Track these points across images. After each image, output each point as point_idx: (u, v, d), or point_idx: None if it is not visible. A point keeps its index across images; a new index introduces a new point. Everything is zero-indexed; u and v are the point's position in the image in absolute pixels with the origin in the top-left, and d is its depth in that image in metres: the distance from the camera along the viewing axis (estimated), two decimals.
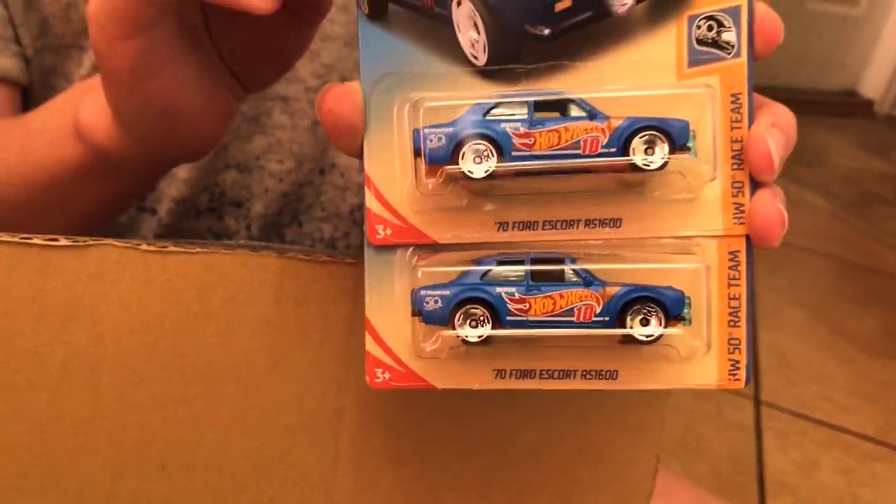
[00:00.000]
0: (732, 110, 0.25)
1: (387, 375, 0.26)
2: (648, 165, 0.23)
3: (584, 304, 0.24)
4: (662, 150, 0.23)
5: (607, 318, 0.24)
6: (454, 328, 0.24)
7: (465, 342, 0.24)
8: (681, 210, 0.25)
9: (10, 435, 0.29)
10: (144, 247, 0.29)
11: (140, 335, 0.29)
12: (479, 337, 0.24)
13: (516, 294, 0.24)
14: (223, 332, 0.30)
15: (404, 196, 0.25)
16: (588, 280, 0.24)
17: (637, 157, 0.23)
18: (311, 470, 0.32)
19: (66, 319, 0.29)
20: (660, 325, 0.24)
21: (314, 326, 0.30)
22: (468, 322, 0.24)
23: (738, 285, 0.25)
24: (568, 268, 0.24)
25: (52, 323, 0.29)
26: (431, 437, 0.32)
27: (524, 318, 0.24)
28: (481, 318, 0.24)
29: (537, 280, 0.24)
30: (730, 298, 0.25)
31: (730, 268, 0.25)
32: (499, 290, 0.24)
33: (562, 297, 0.24)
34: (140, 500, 0.31)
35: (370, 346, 0.26)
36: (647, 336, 0.24)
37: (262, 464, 0.31)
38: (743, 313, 0.25)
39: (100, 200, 0.37)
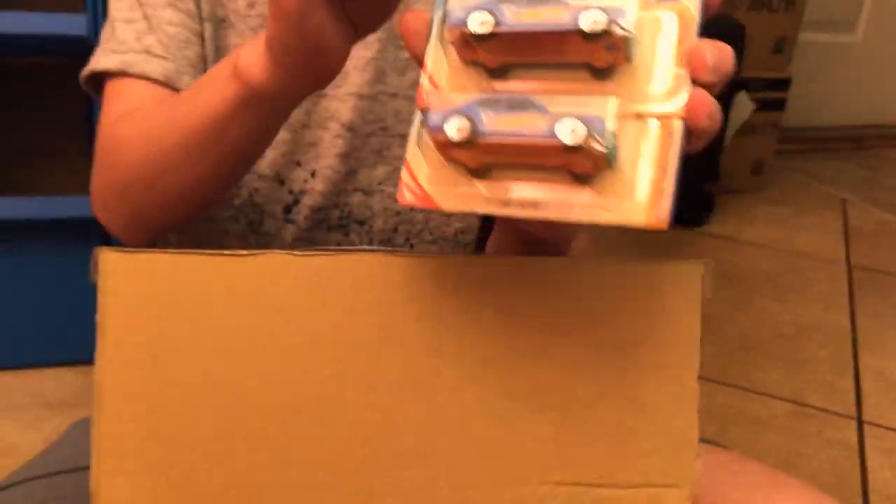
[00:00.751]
0: (682, 34, 0.34)
1: (411, 197, 0.36)
2: (593, 31, 0.33)
3: (535, 123, 0.33)
4: (605, 23, 0.32)
5: (550, 133, 0.32)
6: (445, 132, 0.34)
7: (451, 143, 0.34)
8: (636, 96, 0.34)
9: (212, 397, 0.41)
10: (297, 253, 0.40)
11: (296, 316, 0.41)
12: (459, 134, 0.33)
13: (491, 113, 0.34)
14: (349, 313, 0.41)
15: (444, 75, 0.36)
16: (542, 109, 0.33)
17: (584, 24, 0.32)
18: (418, 421, 0.42)
19: (247, 308, 0.40)
20: (581, 136, 0.32)
21: (415, 307, 0.41)
22: (456, 129, 0.34)
23: (669, 148, 0.33)
24: (532, 102, 0.33)
25: (237, 311, 0.40)
26: (504, 394, 0.42)
27: (494, 129, 0.33)
28: (463, 127, 0.34)
29: (508, 107, 0.34)
30: (661, 159, 0.33)
31: (666, 136, 0.33)
32: (480, 111, 0.34)
33: (522, 117, 0.33)
34: (297, 443, 0.41)
35: (404, 175, 0.36)
36: (573, 143, 0.32)
37: (381, 416, 0.42)
38: (672, 172, 0.33)
39: (246, 134, 0.49)
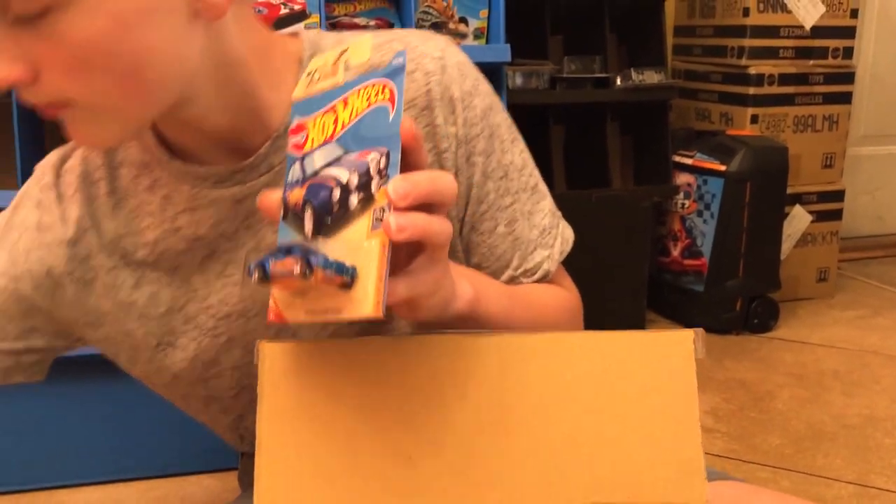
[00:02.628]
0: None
1: (273, 316, 0.52)
2: None
3: (292, 266, 0.47)
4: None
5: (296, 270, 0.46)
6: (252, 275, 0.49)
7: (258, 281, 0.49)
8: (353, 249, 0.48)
9: (342, 441, 0.55)
10: (398, 336, 0.56)
11: (396, 380, 0.55)
12: (256, 276, 0.49)
13: (273, 259, 0.48)
14: (433, 377, 0.55)
15: None
16: (298, 253, 0.47)
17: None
18: (488, 457, 0.55)
19: (363, 374, 0.55)
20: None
21: (481, 372, 0.55)
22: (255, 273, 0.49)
23: (384, 262, 0.47)
24: (297, 248, 0.48)
25: (356, 378, 0.56)
26: (549, 437, 0.55)
27: (273, 271, 0.48)
28: (257, 271, 0.49)
29: (284, 254, 0.48)
30: (379, 271, 0.47)
31: (381, 256, 0.47)
32: (270, 258, 0.48)
33: (286, 261, 0.47)
34: (403, 475, 0.54)
35: (270, 302, 0.52)
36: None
37: (461, 454, 0.55)
38: (385, 276, 0.47)
39: None
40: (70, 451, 1.37)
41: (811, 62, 2.25)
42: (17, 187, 1.34)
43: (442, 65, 0.66)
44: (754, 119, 2.19)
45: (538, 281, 0.71)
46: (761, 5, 2.17)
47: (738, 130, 2.16)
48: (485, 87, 0.69)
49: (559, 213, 0.74)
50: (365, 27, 1.43)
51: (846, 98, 2.30)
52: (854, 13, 2.26)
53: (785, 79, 2.21)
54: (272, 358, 0.56)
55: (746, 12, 2.17)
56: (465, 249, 0.70)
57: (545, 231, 0.71)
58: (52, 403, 1.36)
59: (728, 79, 2.25)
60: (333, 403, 0.55)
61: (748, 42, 2.19)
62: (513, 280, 0.70)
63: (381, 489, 0.55)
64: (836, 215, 2.32)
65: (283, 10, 1.34)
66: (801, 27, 2.22)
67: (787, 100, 2.22)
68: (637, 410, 0.56)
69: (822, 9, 2.21)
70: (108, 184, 0.66)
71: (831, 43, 2.25)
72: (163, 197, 0.65)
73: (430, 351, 0.56)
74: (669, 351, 0.57)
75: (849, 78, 2.29)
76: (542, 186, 0.73)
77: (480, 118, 0.67)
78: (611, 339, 0.57)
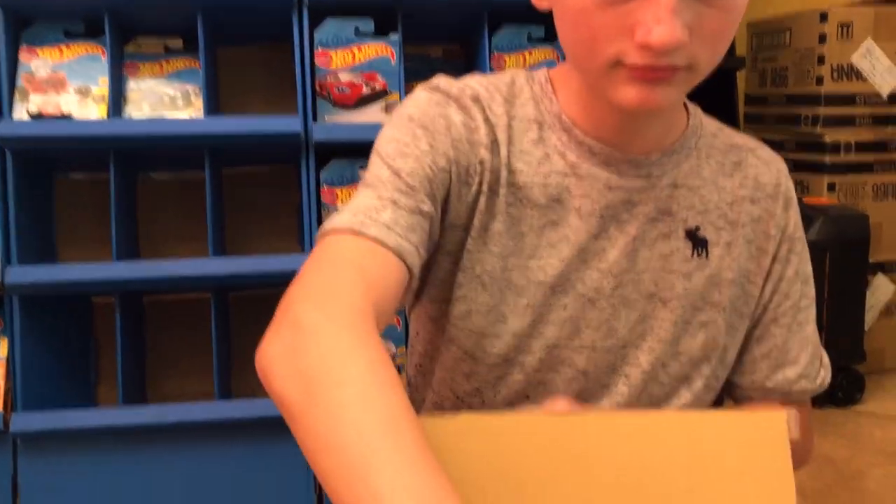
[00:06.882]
0: None
1: None
2: None
3: None
4: None
5: None
6: None
7: None
8: None
9: None
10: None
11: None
12: None
13: None
14: (544, 452, 0.56)
15: None
16: None
17: None
18: None
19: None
20: None
21: (585, 452, 0.56)
22: None
23: None
24: None
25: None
26: None
27: None
28: None
29: None
30: None
31: None
32: None
33: None
34: None
35: None
36: None
37: None
38: None
39: None
40: None
41: (889, 129, 2.22)
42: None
43: (787, 172, 0.77)
44: (831, 187, 2.16)
45: (810, 391, 0.76)
46: (835, 73, 2.16)
47: (814, 199, 2.13)
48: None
49: None
50: None
51: None
52: None
53: (862, 146, 2.18)
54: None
55: (820, 80, 2.16)
56: (757, 338, 0.75)
57: (818, 347, 0.77)
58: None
59: (802, 147, 2.23)
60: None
61: (823, 110, 2.17)
62: (799, 379, 0.75)
63: None
64: None
65: (365, 90, 1.39)
66: (878, 94, 2.19)
67: (865, 167, 2.19)
68: (732, 492, 0.55)
69: None
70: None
71: None
72: (544, 154, 0.69)
73: (527, 429, 0.56)
74: (763, 432, 0.56)
75: None
76: None
77: (797, 227, 0.76)
78: (704, 420, 0.57)
